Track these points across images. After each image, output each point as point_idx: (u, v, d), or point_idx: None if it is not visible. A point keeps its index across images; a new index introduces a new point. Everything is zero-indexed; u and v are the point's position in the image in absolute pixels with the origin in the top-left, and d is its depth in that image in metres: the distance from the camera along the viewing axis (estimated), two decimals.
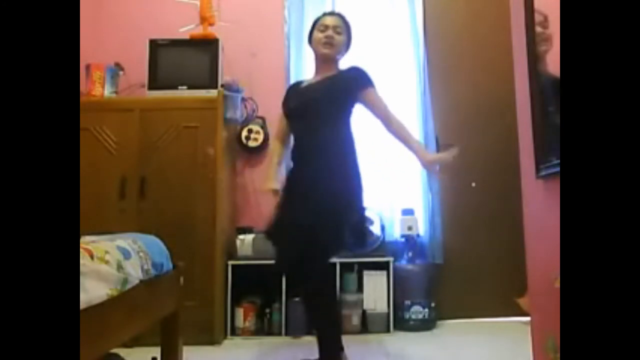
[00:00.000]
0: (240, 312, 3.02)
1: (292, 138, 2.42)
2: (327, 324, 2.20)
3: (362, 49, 3.46)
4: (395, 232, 3.32)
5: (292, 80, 3.24)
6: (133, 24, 3.51)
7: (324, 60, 2.36)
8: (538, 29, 1.66)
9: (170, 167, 2.93)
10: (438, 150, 3.41)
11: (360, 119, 2.38)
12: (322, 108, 2.25)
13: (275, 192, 2.35)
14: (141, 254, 1.67)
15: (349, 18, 2.43)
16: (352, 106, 2.31)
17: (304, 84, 2.45)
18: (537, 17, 1.67)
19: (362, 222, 2.37)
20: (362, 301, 3.07)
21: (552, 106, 1.57)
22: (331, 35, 2.32)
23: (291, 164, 2.38)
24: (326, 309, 2.21)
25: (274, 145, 2.56)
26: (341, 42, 2.36)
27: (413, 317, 3.10)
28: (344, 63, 2.42)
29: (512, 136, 2.06)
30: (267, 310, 3.06)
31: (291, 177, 2.33)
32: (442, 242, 3.36)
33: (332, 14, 2.47)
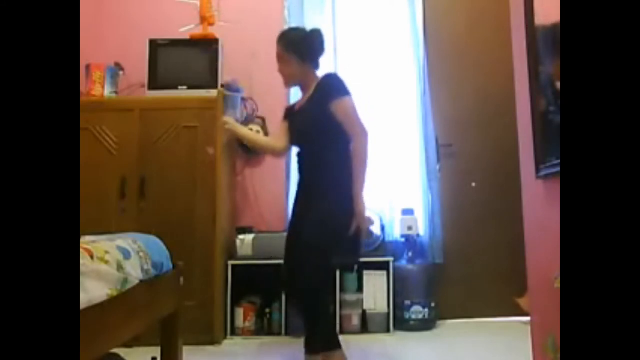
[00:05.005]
0: (240, 312, 3.02)
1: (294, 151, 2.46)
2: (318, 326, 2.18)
3: (362, 50, 3.49)
4: (395, 232, 3.32)
5: None
6: (133, 24, 3.51)
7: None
8: None
9: (170, 167, 2.93)
10: (438, 150, 3.42)
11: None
12: (313, 138, 2.27)
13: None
14: (141, 254, 1.67)
15: (290, 33, 2.40)
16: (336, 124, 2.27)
17: (296, 107, 2.43)
18: None
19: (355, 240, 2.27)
20: (362, 301, 3.07)
21: (552, 106, 1.56)
22: (279, 69, 2.36)
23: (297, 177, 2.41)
24: (318, 316, 2.17)
25: (271, 141, 2.54)
26: (288, 72, 2.34)
27: (413, 317, 3.09)
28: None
29: (512, 136, 2.06)
30: (267, 310, 3.06)
31: (298, 190, 2.37)
32: (442, 242, 3.36)
33: (278, 40, 2.37)
